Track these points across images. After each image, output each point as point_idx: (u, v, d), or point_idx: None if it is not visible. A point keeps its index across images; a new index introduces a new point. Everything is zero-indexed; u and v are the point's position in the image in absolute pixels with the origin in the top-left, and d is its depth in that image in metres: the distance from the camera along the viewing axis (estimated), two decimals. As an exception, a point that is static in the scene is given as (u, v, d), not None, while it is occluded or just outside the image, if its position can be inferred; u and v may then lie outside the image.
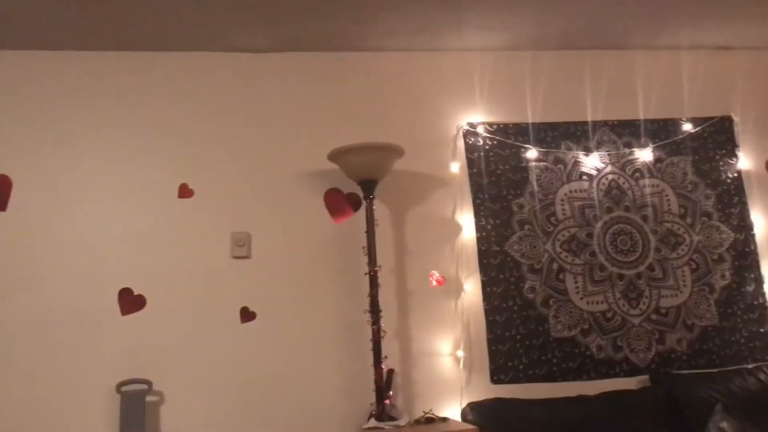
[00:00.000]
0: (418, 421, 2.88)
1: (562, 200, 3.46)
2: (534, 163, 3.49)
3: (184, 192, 3.22)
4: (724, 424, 2.85)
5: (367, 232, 3.03)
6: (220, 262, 3.16)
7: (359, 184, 3.07)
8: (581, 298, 3.34)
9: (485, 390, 3.17)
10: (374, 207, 3.06)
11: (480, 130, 3.50)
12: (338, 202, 3.32)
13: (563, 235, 3.41)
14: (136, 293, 3.07)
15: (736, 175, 3.64)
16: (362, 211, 3.21)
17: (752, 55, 3.80)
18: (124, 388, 2.91)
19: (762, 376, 3.18)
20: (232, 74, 3.40)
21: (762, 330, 3.43)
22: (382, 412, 2.85)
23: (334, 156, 3.03)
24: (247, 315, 3.13)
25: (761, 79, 3.78)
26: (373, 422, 2.84)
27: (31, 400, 2.89)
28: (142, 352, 3.01)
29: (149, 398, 2.93)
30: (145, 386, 2.93)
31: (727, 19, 3.46)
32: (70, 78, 3.27)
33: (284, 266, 3.20)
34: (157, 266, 3.11)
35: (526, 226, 3.39)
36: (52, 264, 3.04)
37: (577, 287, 3.35)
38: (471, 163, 3.45)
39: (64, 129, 3.20)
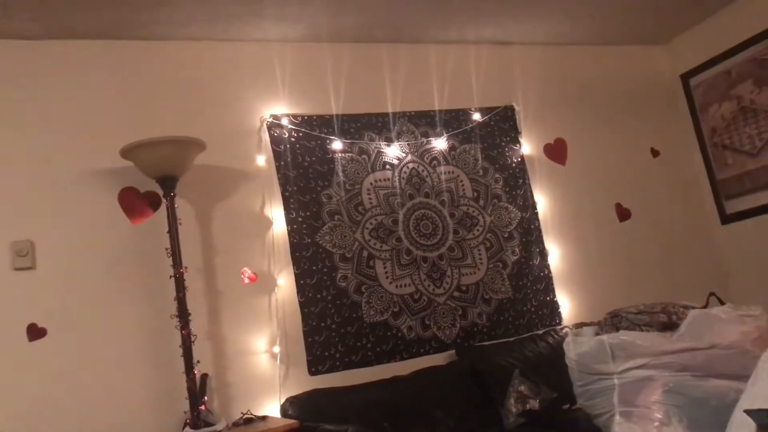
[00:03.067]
0: (236, 424, 2.80)
1: (368, 189, 3.55)
2: (340, 154, 3.54)
3: (-53, 199, 2.80)
4: (522, 387, 3.13)
5: (169, 232, 2.86)
6: (-1, 275, 2.80)
7: (157, 181, 2.89)
8: (390, 283, 3.46)
9: (304, 383, 3.17)
10: (176, 205, 2.90)
11: (285, 122, 3.46)
12: (135, 202, 3.10)
13: (371, 224, 3.51)
14: None
15: (519, 159, 4.00)
16: (163, 210, 3.01)
17: (526, 50, 4.19)
18: None
19: (551, 340, 3.53)
20: (3, 63, 3.01)
21: (548, 298, 3.82)
22: (197, 419, 2.73)
23: (127, 152, 2.81)
24: (35, 332, 2.80)
25: (536, 71, 4.18)
26: (188, 431, 2.70)
27: None
28: None
29: None
30: None
31: (503, 15, 3.76)
32: None
33: (77, 275, 2.91)
34: None
35: (336, 217, 3.44)
36: None
37: (386, 272, 3.47)
38: (277, 155, 3.41)
39: None
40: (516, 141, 4.03)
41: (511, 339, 3.57)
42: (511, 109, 4.07)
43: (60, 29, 3.06)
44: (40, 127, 3.01)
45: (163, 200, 2.93)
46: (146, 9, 3.02)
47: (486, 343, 3.53)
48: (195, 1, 3.04)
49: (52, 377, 2.78)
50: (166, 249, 2.87)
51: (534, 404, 3.08)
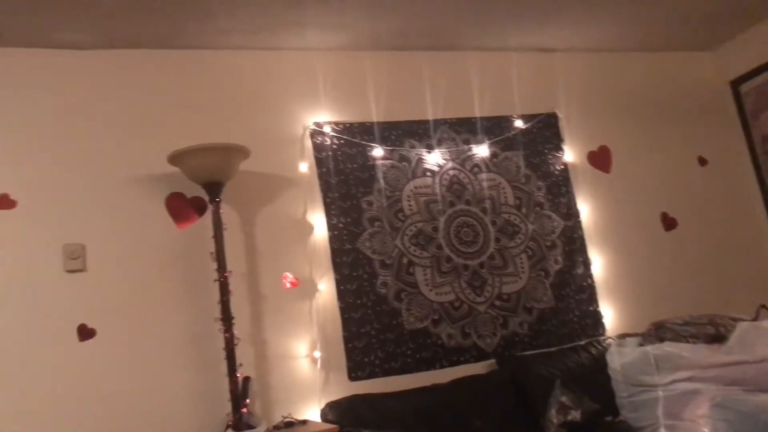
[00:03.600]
0: (277, 427, 2.83)
1: (409, 196, 3.56)
2: (380, 161, 3.56)
3: (5, 203, 2.91)
4: (563, 398, 3.08)
5: (214, 236, 2.92)
6: (52, 277, 2.89)
7: (204, 187, 2.95)
8: (430, 290, 3.46)
9: (344, 388, 3.18)
10: (221, 210, 2.96)
11: (327, 129, 3.50)
12: (181, 207, 3.17)
13: (411, 230, 3.51)
14: (-50, 319, 2.74)
15: (562, 167, 3.95)
16: (208, 215, 3.08)
17: (570, 56, 4.15)
18: (-60, 427, 2.58)
19: (593, 351, 3.47)
20: (59, 72, 3.12)
21: (591, 308, 3.76)
22: (239, 422, 2.77)
23: (175, 158, 2.89)
24: (85, 332, 2.89)
25: (579, 78, 4.14)
26: (230, 432, 2.75)
27: None
28: (-39, 383, 2.69)
29: (-28, 435, 2.63)
30: (-34, 422, 2.62)
31: (546, 23, 3.74)
32: None
33: (125, 278, 3.00)
34: (-25, 287, 2.79)
35: (376, 223, 3.45)
36: None
37: (426, 279, 3.47)
38: (319, 162, 3.45)
39: None
40: (559, 148, 3.99)
41: (553, 349, 3.52)
42: (554, 116, 4.03)
43: (112, 39, 3.16)
44: (92, 133, 3.11)
45: (209, 205, 2.99)
46: (195, 19, 3.10)
47: (527, 352, 3.49)
48: (241, 12, 3.11)
49: (100, 377, 2.86)
50: (211, 253, 2.93)
51: (576, 415, 3.03)
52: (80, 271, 2.94)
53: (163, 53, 3.31)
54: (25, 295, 2.84)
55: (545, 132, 3.98)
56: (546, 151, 3.95)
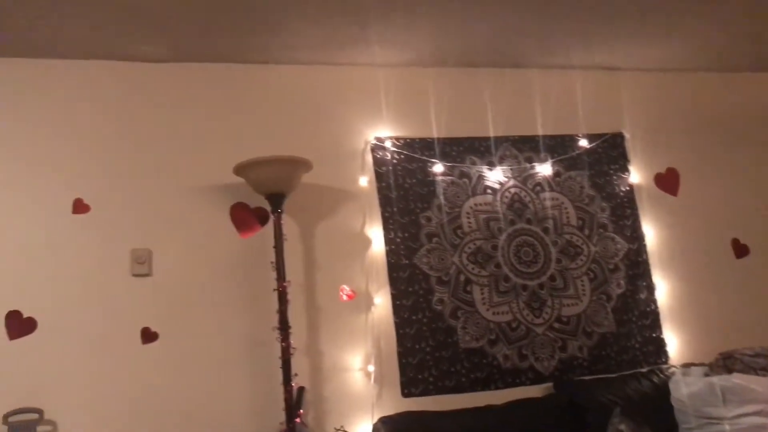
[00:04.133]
0: (329, 438, 2.84)
1: (468, 213, 3.54)
2: (440, 177, 3.55)
3: (79, 207, 3.05)
4: (623, 426, 2.98)
5: (275, 246, 2.97)
6: (119, 280, 3.00)
7: (267, 198, 3.02)
8: (487, 309, 3.42)
9: (396, 404, 3.17)
10: (282, 221, 3.01)
11: (387, 144, 3.53)
12: (245, 217, 3.25)
13: (470, 248, 3.48)
14: (25, 316, 2.87)
15: (628, 188, 3.85)
16: (270, 226, 3.14)
17: (637, 75, 4.06)
18: (12, 419, 2.70)
19: (655, 379, 3.35)
20: (131, 84, 3.27)
21: (654, 335, 3.63)
22: (292, 431, 2.79)
23: (240, 169, 2.96)
24: (148, 335, 2.99)
25: (646, 98, 4.04)
26: (282, 441, 2.77)
27: None
28: (33, 378, 2.81)
29: (40, 428, 2.74)
30: (36, 415, 2.73)
31: (613, 41, 3.67)
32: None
33: (188, 284, 3.08)
34: (49, 286, 2.92)
35: (434, 239, 3.44)
36: (-73, 286, 2.80)
37: (484, 298, 3.43)
38: (379, 176, 3.47)
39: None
40: (625, 169, 3.89)
41: (613, 375, 3.41)
42: (621, 136, 3.94)
43: (182, 53, 3.29)
44: (161, 143, 3.23)
45: (271, 216, 3.05)
46: (261, 35, 3.19)
47: (586, 377, 3.40)
48: (306, 28, 3.18)
49: (160, 379, 2.95)
50: (272, 263, 2.98)
51: (635, 445, 2.92)
52: (146, 275, 3.04)
53: (231, 67, 3.42)
54: (94, 296, 2.96)
55: (611, 152, 3.89)
56: (611, 171, 3.86)
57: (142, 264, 3.03)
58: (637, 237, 3.77)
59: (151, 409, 2.90)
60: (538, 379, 3.39)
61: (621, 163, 3.90)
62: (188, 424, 2.93)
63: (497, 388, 3.32)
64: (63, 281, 2.94)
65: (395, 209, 3.44)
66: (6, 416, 2.70)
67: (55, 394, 2.81)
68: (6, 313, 2.85)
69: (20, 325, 2.86)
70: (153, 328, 3.00)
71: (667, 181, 3.96)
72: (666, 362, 3.58)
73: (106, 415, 2.84)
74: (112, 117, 3.20)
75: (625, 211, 3.80)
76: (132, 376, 2.92)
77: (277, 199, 2.99)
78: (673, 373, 3.29)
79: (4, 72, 3.10)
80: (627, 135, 3.95)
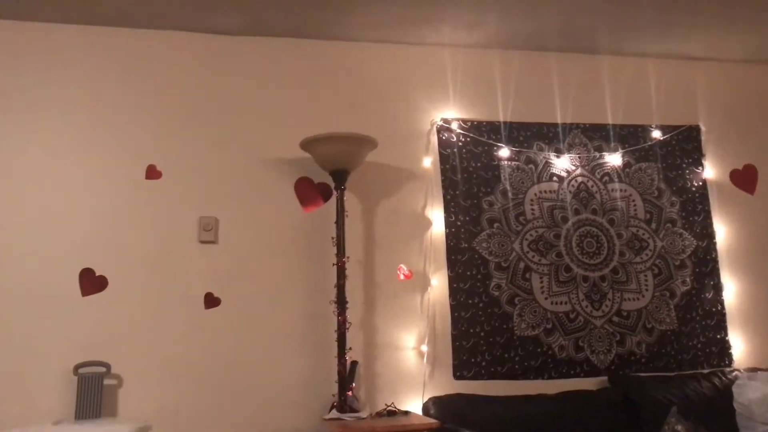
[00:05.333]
0: (379, 414, 2.87)
1: (532, 200, 3.49)
2: (506, 162, 3.51)
3: (152, 173, 3.16)
4: (679, 427, 2.91)
5: (336, 222, 3.01)
6: (186, 245, 3.11)
7: (331, 174, 3.05)
8: (546, 298, 3.37)
9: (447, 385, 3.19)
10: (345, 198, 3.04)
11: (454, 126, 3.50)
12: (309, 191, 3.30)
13: (531, 235, 3.44)
14: (97, 274, 3.01)
15: (701, 183, 3.71)
16: (332, 202, 3.19)
17: (717, 66, 3.89)
18: (81, 370, 2.84)
19: (717, 381, 3.25)
20: (205, 55, 3.35)
21: (719, 336, 3.51)
22: (343, 404, 2.85)
23: (307, 144, 3.00)
24: (211, 300, 3.09)
25: (725, 90, 3.87)
26: (334, 413, 2.83)
27: (-17, 380, 2.81)
28: (102, 334, 2.95)
29: (107, 381, 2.88)
30: (103, 369, 2.87)
31: (692, 30, 3.52)
32: (34, 52, 3.17)
33: (251, 253, 3.16)
34: (120, 247, 3.05)
35: (495, 224, 3.41)
36: (11, 239, 2.95)
37: (543, 287, 3.38)
38: (444, 158, 3.46)
39: (31, 104, 3.10)
40: (699, 164, 3.75)
41: (672, 374, 3.33)
42: (697, 129, 3.79)
43: (257, 26, 3.33)
44: (232, 115, 3.30)
45: (334, 192, 3.09)
46: (334, 11, 3.20)
47: (643, 374, 3.33)
48: (380, 6, 3.17)
49: (220, 343, 3.05)
50: (332, 238, 3.03)
51: (691, 447, 2.85)
52: (212, 242, 3.14)
53: (302, 42, 3.45)
54: (163, 259, 3.07)
55: (685, 145, 3.75)
56: (684, 165, 3.72)
57: (208, 231, 3.13)
58: (707, 234, 3.64)
59: (209, 371, 3.01)
60: (592, 372, 3.34)
61: (695, 156, 3.75)
62: (243, 388, 3.02)
63: (550, 377, 3.29)
64: (134, 243, 3.06)
65: (458, 192, 3.42)
66: (76, 367, 2.84)
67: (122, 350, 2.94)
68: (80, 270, 2.99)
69: (92, 282, 3.00)
70: (216, 294, 3.09)
71: (743, 178, 3.79)
72: (729, 365, 3.47)
73: (167, 373, 2.96)
74: (187, 87, 3.28)
75: (696, 206, 3.67)
76: (193, 339, 3.03)
77: (340, 176, 3.02)
78: (737, 377, 3.19)
79: (83, 40, 3.22)
80: (703, 128, 3.80)
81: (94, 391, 2.80)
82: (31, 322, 2.90)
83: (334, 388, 2.92)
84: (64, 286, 2.96)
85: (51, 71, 3.16)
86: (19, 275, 2.93)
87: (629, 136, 3.69)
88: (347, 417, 2.78)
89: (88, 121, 3.15)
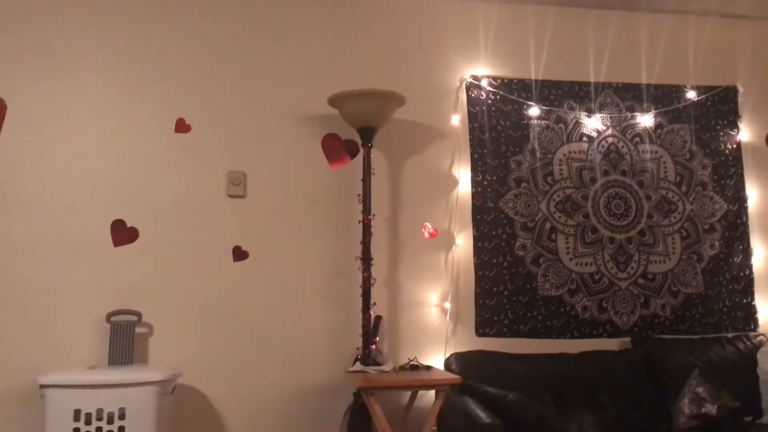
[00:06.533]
0: (402, 368, 2.93)
1: (561, 160, 3.45)
2: (535, 121, 3.46)
3: (181, 127, 3.18)
4: (700, 389, 2.92)
5: (363, 180, 3.02)
6: (215, 199, 3.15)
7: (358, 131, 3.04)
8: (571, 259, 3.37)
9: (470, 342, 3.23)
10: (372, 155, 3.04)
11: (484, 83, 3.45)
12: (336, 148, 3.30)
13: (558, 196, 3.42)
14: (128, 225, 3.07)
15: (735, 146, 3.64)
16: (359, 159, 3.19)
17: (760, 24, 3.75)
18: (114, 318, 2.94)
19: (741, 346, 3.24)
20: (233, 9, 3.32)
21: (745, 301, 3.49)
22: (367, 357, 2.90)
23: (335, 100, 2.99)
24: (239, 254, 3.14)
25: (767, 50, 3.74)
26: (358, 366, 2.89)
27: (21, 325, 2.91)
28: (133, 283, 3.03)
29: (138, 329, 2.97)
30: (134, 317, 2.96)
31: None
32: (70, 5, 3.17)
33: (279, 208, 3.20)
34: (151, 200, 3.10)
35: (523, 184, 3.39)
36: (44, 191, 3.02)
37: (568, 248, 3.38)
38: (472, 116, 3.42)
39: (64, 56, 3.12)
40: (734, 126, 3.66)
41: (695, 337, 3.33)
42: (734, 89, 3.69)
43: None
44: (261, 70, 3.29)
45: (361, 149, 3.09)
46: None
47: (666, 336, 3.33)
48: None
49: (248, 295, 3.11)
50: (358, 195, 3.04)
51: (711, 409, 2.87)
52: (240, 197, 3.17)
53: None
54: (192, 212, 3.12)
55: (720, 106, 3.66)
56: (718, 127, 3.64)
57: (237, 186, 3.16)
58: (739, 198, 3.58)
59: (236, 322, 3.08)
60: (615, 333, 3.35)
61: (730, 118, 3.66)
62: (270, 339, 3.09)
63: (572, 337, 3.31)
64: (163, 196, 3.11)
65: (485, 151, 3.39)
66: (109, 315, 2.94)
67: (152, 299, 3.02)
68: (112, 221, 3.05)
69: (123, 233, 3.06)
70: (244, 248, 3.15)
71: (780, 142, 3.70)
72: (755, 330, 3.45)
73: (196, 324, 3.04)
74: (217, 42, 3.27)
75: (728, 170, 3.60)
76: (222, 291, 3.09)
77: (368, 133, 3.02)
78: (762, 343, 3.18)
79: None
80: (741, 89, 3.69)
81: (125, 339, 2.90)
82: (66, 271, 2.98)
83: (359, 342, 2.98)
84: (96, 237, 3.03)
85: (84, 26, 3.16)
86: (53, 227, 3.00)
87: (662, 97, 3.61)
88: (370, 370, 2.84)
89: (122, 74, 3.16)
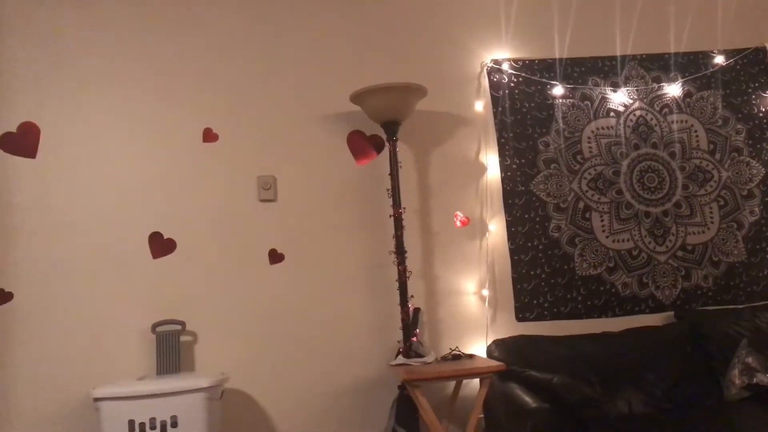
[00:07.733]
0: (444, 358, 2.94)
1: (589, 138, 3.41)
2: (560, 100, 3.43)
3: (209, 136, 3.23)
4: (750, 359, 2.87)
5: (390, 174, 3.03)
6: (247, 205, 3.19)
7: (382, 125, 3.05)
8: (607, 237, 3.33)
9: (510, 327, 3.22)
10: (397, 149, 3.04)
11: (505, 67, 3.43)
12: (361, 145, 3.31)
13: (589, 174, 3.38)
14: (165, 237, 3.13)
15: (768, 108, 3.55)
16: (385, 153, 3.19)
17: (790, -19, 3.65)
18: (159, 329, 3.00)
19: (789, 312, 3.17)
20: (255, 14, 3.34)
21: (790, 266, 3.42)
22: (409, 349, 2.92)
23: (357, 98, 3.00)
24: (275, 257, 3.18)
25: (799, 7, 3.64)
26: (400, 359, 2.91)
27: (70, 341, 2.99)
28: (175, 293, 3.09)
29: (183, 338, 3.03)
30: (179, 327, 3.02)
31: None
32: (97, 22, 3.23)
33: (310, 208, 3.23)
34: (185, 211, 3.15)
35: (552, 165, 3.36)
36: (82, 209, 3.09)
37: (603, 226, 3.34)
38: (496, 101, 3.40)
39: (91, 74, 3.19)
40: (766, 87, 3.56)
41: (741, 306, 3.26)
42: (763, 50, 3.60)
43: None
44: (283, 73, 3.31)
45: (387, 144, 3.10)
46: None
47: (710, 307, 3.28)
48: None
49: (287, 297, 3.15)
50: (387, 190, 3.05)
51: (763, 379, 2.82)
52: (271, 201, 3.21)
53: (347, -7, 3.41)
54: (226, 220, 3.17)
55: (750, 69, 3.57)
56: (750, 90, 3.55)
57: (267, 190, 3.20)
58: (777, 161, 3.50)
59: (278, 324, 3.12)
60: (658, 307, 3.31)
61: (762, 80, 3.57)
62: (312, 339, 3.13)
63: (614, 315, 3.28)
64: (197, 206, 3.16)
65: (511, 135, 3.37)
66: (154, 326, 3.00)
67: (195, 308, 3.09)
68: (149, 234, 3.12)
69: (161, 245, 3.13)
70: (279, 250, 3.18)
71: (815, 100, 3.60)
72: (803, 294, 3.37)
73: (238, 328, 3.10)
74: (236, 47, 3.30)
75: (764, 133, 3.51)
76: (261, 294, 3.14)
77: (392, 127, 3.02)
78: (810, 307, 3.10)
79: (135, 11, 3.27)
80: (771, 49, 3.60)
81: (171, 348, 2.96)
82: (109, 286, 3.06)
83: (399, 335, 2.99)
84: (135, 250, 3.10)
85: (111, 42, 3.22)
86: (93, 244, 3.07)
87: (690, 64, 3.54)
88: (413, 362, 2.86)
89: (149, 90, 3.21)
